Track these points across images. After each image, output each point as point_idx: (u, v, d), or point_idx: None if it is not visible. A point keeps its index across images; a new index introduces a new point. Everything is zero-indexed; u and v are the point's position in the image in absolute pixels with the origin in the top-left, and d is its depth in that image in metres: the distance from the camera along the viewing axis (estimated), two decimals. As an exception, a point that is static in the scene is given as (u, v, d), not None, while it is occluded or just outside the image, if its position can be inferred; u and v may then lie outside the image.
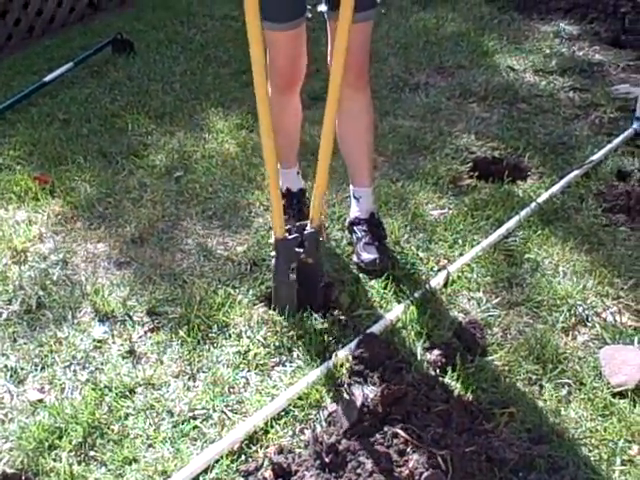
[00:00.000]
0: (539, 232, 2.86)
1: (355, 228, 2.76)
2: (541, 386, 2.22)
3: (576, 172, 3.18)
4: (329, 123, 2.32)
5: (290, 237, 2.44)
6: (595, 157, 3.28)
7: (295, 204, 2.91)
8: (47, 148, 3.58)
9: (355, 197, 2.82)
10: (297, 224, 2.48)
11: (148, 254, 2.86)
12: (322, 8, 2.53)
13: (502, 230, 2.85)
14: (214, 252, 2.85)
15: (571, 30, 4.66)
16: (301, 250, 2.44)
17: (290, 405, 2.18)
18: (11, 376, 2.35)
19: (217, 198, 3.17)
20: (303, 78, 2.71)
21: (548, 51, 4.39)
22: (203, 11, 5.10)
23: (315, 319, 2.47)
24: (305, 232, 2.44)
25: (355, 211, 2.80)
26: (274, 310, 2.53)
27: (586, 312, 2.49)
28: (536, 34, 4.62)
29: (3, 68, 4.60)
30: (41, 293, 2.68)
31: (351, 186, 2.84)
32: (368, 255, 2.67)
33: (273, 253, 2.49)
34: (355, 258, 2.72)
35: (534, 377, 2.24)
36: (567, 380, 2.23)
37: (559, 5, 4.95)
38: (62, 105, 4.00)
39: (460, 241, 2.84)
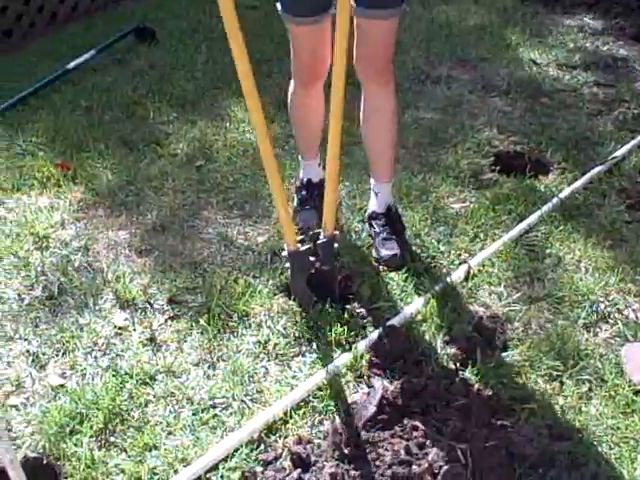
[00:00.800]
0: (561, 227, 2.85)
1: (373, 222, 2.76)
2: (562, 382, 2.21)
3: (599, 168, 3.16)
4: (335, 132, 2.31)
5: (303, 248, 2.45)
6: (618, 153, 3.26)
7: (316, 195, 2.90)
8: (69, 135, 3.59)
9: (374, 191, 2.81)
10: (310, 233, 2.50)
11: (169, 242, 2.87)
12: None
13: (524, 225, 2.84)
14: (235, 241, 2.86)
15: (595, 25, 4.62)
16: (315, 259, 2.45)
17: (309, 396, 2.19)
18: (33, 361, 2.36)
19: (238, 188, 3.17)
20: (327, 72, 2.69)
21: (572, 45, 4.36)
22: None
23: (335, 310, 2.47)
24: (319, 241, 2.45)
25: (373, 205, 2.80)
26: (294, 300, 2.53)
27: (608, 309, 2.48)
28: (560, 28, 4.58)
29: (27, 54, 4.60)
30: (63, 279, 2.69)
31: (371, 179, 2.83)
32: (386, 251, 2.66)
33: (287, 265, 2.50)
34: (374, 253, 2.72)
35: (555, 373, 2.24)
36: (588, 377, 2.22)
37: (583, -1, 4.91)
38: (84, 92, 4.01)
39: (481, 235, 2.83)
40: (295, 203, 2.97)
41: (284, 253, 2.49)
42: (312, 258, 2.47)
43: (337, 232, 2.50)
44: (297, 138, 2.99)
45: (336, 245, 2.51)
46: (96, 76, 4.21)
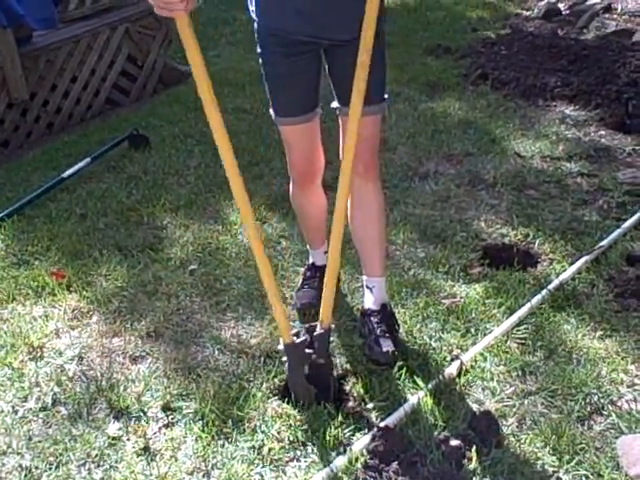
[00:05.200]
0: (551, 319, 2.87)
1: (367, 320, 2.78)
2: (558, 478, 2.20)
3: (586, 258, 3.20)
4: (337, 233, 2.40)
5: (298, 341, 2.47)
6: (604, 242, 3.30)
7: (318, 277, 2.98)
8: (64, 243, 3.66)
9: (368, 287, 2.85)
10: (306, 326, 2.54)
11: (163, 348, 2.89)
12: (335, 104, 2.63)
13: (514, 318, 2.86)
14: (228, 345, 2.87)
15: (576, 116, 4.75)
16: (311, 351, 2.47)
17: (305, 502, 2.17)
18: (25, 475, 2.35)
19: (231, 290, 3.21)
20: (322, 173, 2.80)
21: (554, 137, 4.47)
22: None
23: (329, 412, 2.46)
24: (315, 333, 2.48)
25: (368, 302, 2.83)
26: (288, 403, 2.53)
27: (601, 400, 2.47)
28: (542, 120, 4.71)
29: (23, 164, 4.72)
30: (57, 389, 2.70)
31: (364, 276, 2.87)
32: (380, 349, 2.67)
33: (284, 358, 2.52)
34: (367, 350, 2.73)
35: (551, 469, 2.23)
36: (585, 472, 2.21)
37: (564, 92, 5.05)
38: (79, 200, 4.09)
39: (472, 330, 2.85)
40: (299, 282, 3.11)
41: (280, 347, 2.51)
42: (308, 350, 2.49)
43: (332, 325, 2.53)
44: (303, 231, 3.13)
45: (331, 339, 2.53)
46: (91, 183, 4.30)
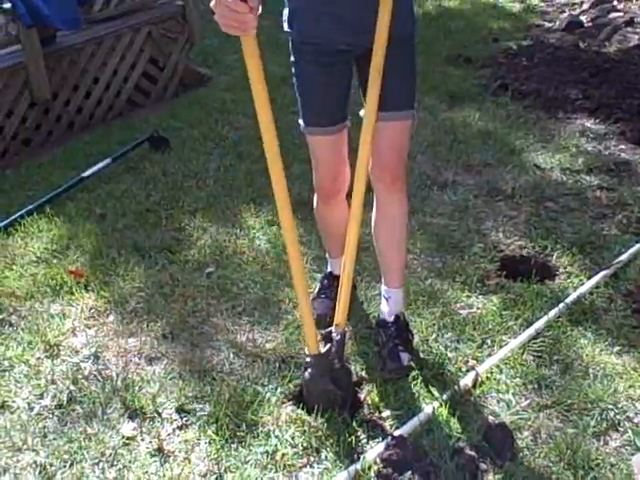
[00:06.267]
0: (568, 333, 2.86)
1: (381, 331, 2.79)
2: (573, 494, 2.19)
3: (604, 272, 3.19)
4: (353, 236, 2.41)
5: (324, 350, 2.48)
6: (623, 257, 3.29)
7: (334, 287, 2.97)
8: (83, 242, 3.68)
9: (385, 297, 2.85)
10: (323, 332, 2.54)
11: (178, 350, 2.90)
12: (362, 113, 2.54)
13: (531, 330, 2.85)
14: (243, 349, 2.88)
15: (597, 129, 4.73)
16: (332, 358, 2.49)
17: (317, 509, 2.17)
18: (40, 472, 2.37)
19: (247, 294, 3.21)
20: (347, 187, 2.78)
21: (574, 150, 4.45)
22: (237, 109, 5.26)
23: (343, 419, 2.47)
24: (333, 338, 2.50)
25: (383, 312, 2.83)
26: (302, 409, 2.54)
27: (617, 417, 2.46)
28: (562, 133, 4.70)
29: (44, 163, 4.75)
30: (72, 388, 2.72)
31: (382, 285, 2.87)
32: (392, 363, 2.67)
33: (309, 370, 2.51)
34: (379, 365, 2.72)
35: (565, 484, 2.21)
36: (599, 488, 2.20)
37: (584, 104, 5.04)
38: (99, 200, 4.12)
39: (489, 341, 2.85)
40: (316, 290, 3.11)
41: (307, 359, 2.51)
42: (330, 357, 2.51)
43: (346, 328, 2.53)
44: (323, 239, 3.12)
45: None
46: (110, 183, 4.32)
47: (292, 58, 2.57)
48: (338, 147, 2.68)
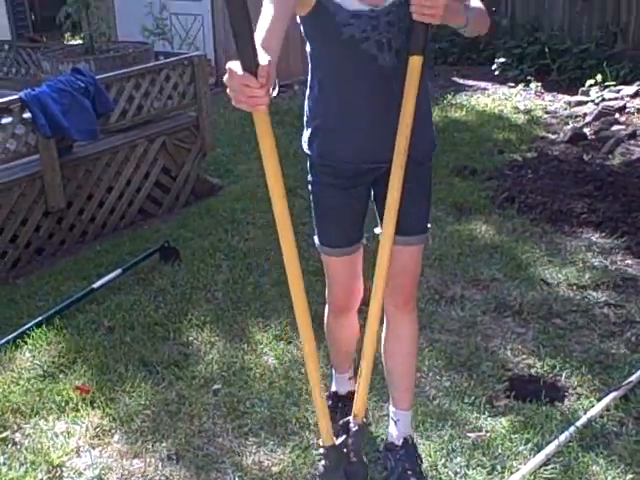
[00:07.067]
0: (580, 459, 2.81)
1: (389, 455, 2.75)
2: None
3: (614, 394, 3.16)
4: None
5: (338, 442, 2.43)
6: (633, 378, 3.26)
7: (340, 407, 2.98)
8: (90, 356, 3.68)
9: (393, 419, 2.82)
10: (341, 422, 2.49)
11: (183, 473, 2.86)
12: (378, 230, 2.56)
13: (541, 456, 2.81)
14: (249, 472, 2.84)
15: (603, 243, 4.77)
16: (348, 450, 2.44)
17: None
18: None
19: (254, 413, 3.19)
20: (359, 303, 2.80)
21: (581, 264, 4.48)
22: (246, 219, 5.34)
23: None
24: (350, 430, 2.45)
25: (392, 435, 2.80)
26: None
27: None
28: (568, 247, 4.73)
29: (54, 273, 4.80)
30: (74, 513, 2.67)
31: (390, 407, 2.85)
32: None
33: (322, 462, 2.46)
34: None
35: None
36: None
37: (590, 218, 5.10)
38: (108, 312, 4.14)
39: (499, 467, 2.80)
40: None
41: (320, 450, 2.46)
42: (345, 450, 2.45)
43: (364, 419, 2.48)
44: (330, 353, 3.08)
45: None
46: (120, 295, 4.35)
47: (309, 177, 2.61)
48: (353, 265, 2.70)
